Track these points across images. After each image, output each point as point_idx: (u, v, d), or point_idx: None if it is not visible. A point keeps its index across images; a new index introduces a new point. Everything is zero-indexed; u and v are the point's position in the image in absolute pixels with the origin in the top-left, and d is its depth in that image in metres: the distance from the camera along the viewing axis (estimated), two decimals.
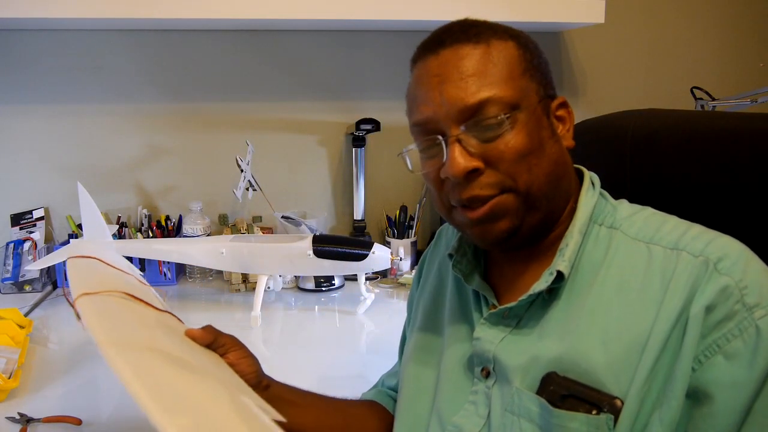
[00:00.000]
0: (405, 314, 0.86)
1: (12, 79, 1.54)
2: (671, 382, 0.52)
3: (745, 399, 0.50)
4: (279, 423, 0.54)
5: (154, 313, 0.67)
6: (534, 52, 0.62)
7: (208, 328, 0.69)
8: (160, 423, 0.38)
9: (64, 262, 1.44)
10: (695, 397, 0.52)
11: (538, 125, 0.59)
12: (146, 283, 0.80)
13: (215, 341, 0.68)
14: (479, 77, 0.57)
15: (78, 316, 0.53)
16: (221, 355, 0.68)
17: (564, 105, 0.64)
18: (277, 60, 1.64)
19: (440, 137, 0.59)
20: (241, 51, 1.62)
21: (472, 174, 0.57)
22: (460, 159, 0.57)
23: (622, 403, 0.52)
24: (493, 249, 0.66)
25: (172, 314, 0.72)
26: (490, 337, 0.62)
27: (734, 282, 0.52)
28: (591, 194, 0.63)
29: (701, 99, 1.53)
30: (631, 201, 0.65)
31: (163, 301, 0.77)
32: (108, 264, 0.72)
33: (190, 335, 0.67)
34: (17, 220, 1.57)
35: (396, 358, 0.89)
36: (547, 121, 0.61)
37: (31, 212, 1.57)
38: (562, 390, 0.54)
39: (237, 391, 0.57)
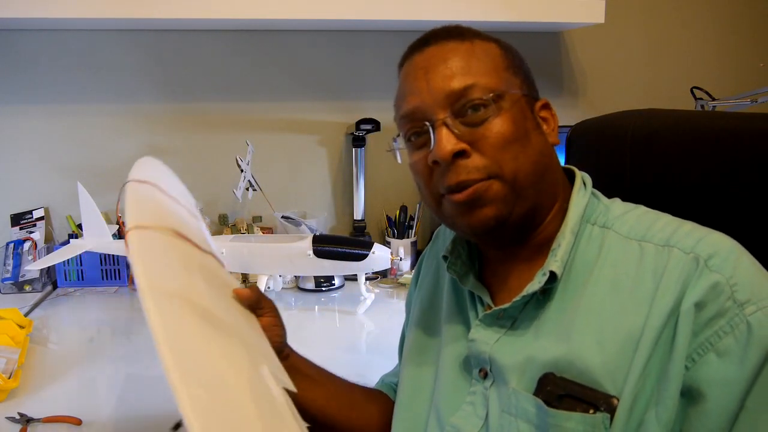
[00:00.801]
0: (404, 314, 0.86)
1: (12, 79, 1.54)
2: (666, 381, 0.52)
3: (736, 397, 0.50)
4: (290, 393, 0.56)
5: (198, 254, 0.67)
6: (516, 56, 0.64)
7: (254, 288, 0.70)
8: (177, 388, 0.40)
9: (65, 262, 1.45)
10: (689, 395, 0.52)
11: (523, 115, 0.60)
12: (197, 215, 0.80)
13: (257, 303, 0.70)
14: (464, 67, 0.59)
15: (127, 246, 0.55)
16: (257, 317, 0.70)
17: (547, 107, 0.65)
18: (277, 60, 1.64)
19: (427, 123, 0.60)
20: (241, 51, 1.62)
21: (459, 157, 0.58)
22: (446, 141, 0.58)
23: (619, 401, 0.52)
24: (484, 241, 0.66)
25: (215, 256, 0.73)
26: (486, 338, 0.62)
27: (725, 279, 0.52)
28: (582, 194, 0.63)
29: (701, 99, 1.53)
30: (631, 201, 0.65)
31: (209, 239, 0.77)
32: (164, 192, 0.73)
33: (236, 294, 0.68)
34: (17, 220, 1.57)
35: (396, 359, 0.89)
36: (531, 115, 0.62)
37: (31, 212, 1.57)
38: (559, 390, 0.55)
39: (259, 357, 0.58)
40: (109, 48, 1.56)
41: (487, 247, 0.68)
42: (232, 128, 1.65)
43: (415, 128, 0.61)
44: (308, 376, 0.75)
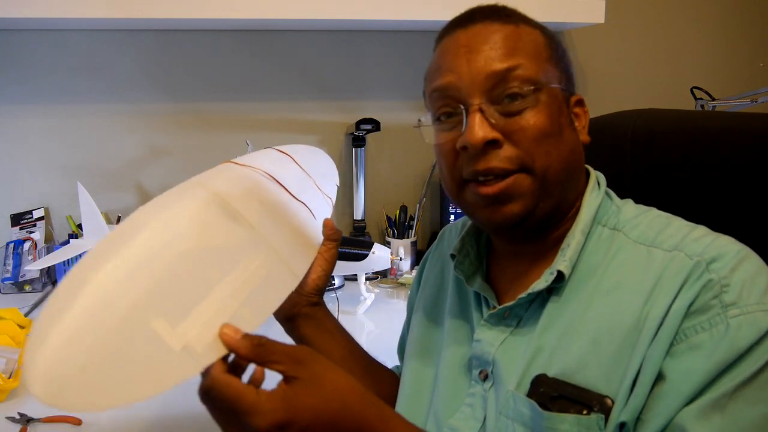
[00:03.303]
0: (405, 314, 0.86)
1: (12, 79, 1.54)
2: (645, 370, 0.51)
3: (694, 386, 0.49)
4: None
5: (281, 195, 0.73)
6: (559, 46, 0.62)
7: (337, 230, 0.74)
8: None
9: (65, 262, 1.45)
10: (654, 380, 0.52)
11: (559, 111, 0.59)
12: (327, 195, 0.86)
13: (328, 235, 0.73)
14: (508, 50, 0.58)
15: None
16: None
17: (581, 103, 0.64)
18: (277, 60, 1.64)
19: (461, 106, 0.58)
20: (241, 51, 1.62)
21: (490, 146, 0.57)
22: (480, 128, 0.56)
23: (613, 402, 0.52)
24: (500, 234, 0.65)
25: (307, 206, 0.77)
26: (491, 339, 0.62)
27: (717, 278, 0.51)
28: (596, 194, 0.63)
29: (701, 99, 1.53)
30: (631, 201, 0.65)
31: (321, 206, 0.83)
32: (297, 163, 0.82)
33: (326, 223, 0.73)
34: (17, 220, 1.57)
35: (396, 360, 0.89)
36: (566, 110, 0.61)
37: (31, 212, 1.57)
38: (552, 391, 0.54)
39: (275, 249, 0.62)
40: (109, 48, 1.56)
41: (501, 240, 0.67)
42: (232, 128, 1.65)
43: (447, 108, 0.60)
44: (329, 331, 0.75)
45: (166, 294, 0.50)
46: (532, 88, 0.57)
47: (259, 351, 0.48)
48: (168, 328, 0.47)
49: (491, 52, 0.57)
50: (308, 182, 0.82)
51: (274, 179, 0.74)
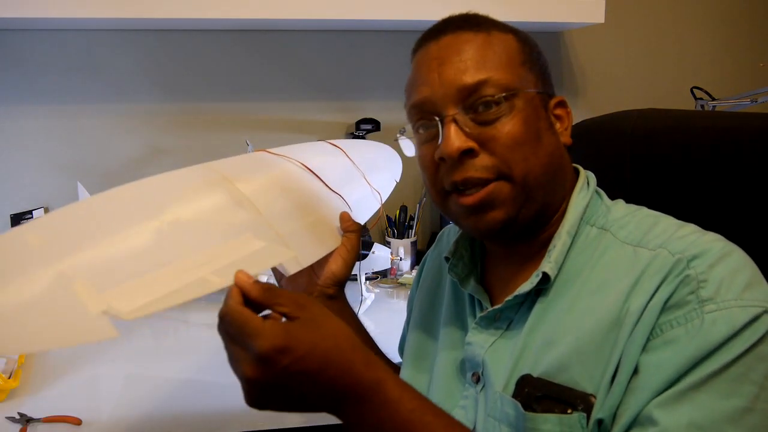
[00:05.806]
0: (405, 314, 0.86)
1: (12, 79, 1.54)
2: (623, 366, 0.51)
3: (664, 380, 0.49)
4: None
5: (316, 186, 0.75)
6: (533, 49, 0.62)
7: (355, 222, 0.75)
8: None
9: None
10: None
11: (536, 115, 0.59)
12: (377, 192, 0.88)
13: (347, 228, 0.74)
14: (479, 61, 0.58)
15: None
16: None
17: (562, 104, 0.64)
18: (277, 60, 1.64)
19: (436, 118, 0.59)
20: (241, 51, 1.62)
21: (466, 155, 0.57)
22: (455, 138, 0.57)
23: (596, 399, 0.52)
24: (488, 240, 0.66)
25: (342, 198, 0.79)
26: (481, 342, 0.62)
27: (695, 273, 0.51)
28: (584, 194, 0.63)
29: (701, 99, 1.53)
30: (631, 201, 0.64)
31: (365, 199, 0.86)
32: (349, 158, 0.85)
33: (341, 215, 0.75)
34: (17, 220, 1.56)
35: (396, 359, 0.89)
36: (544, 114, 0.60)
37: (31, 212, 1.57)
38: (536, 391, 0.54)
39: (276, 233, 0.63)
40: (109, 48, 1.56)
41: (491, 244, 0.67)
42: (232, 128, 1.65)
43: (424, 120, 0.60)
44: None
45: (118, 258, 0.52)
46: (505, 95, 0.57)
47: (267, 294, 0.52)
48: (90, 291, 0.49)
49: (461, 63, 0.58)
50: (354, 175, 0.83)
51: (308, 169, 0.75)
